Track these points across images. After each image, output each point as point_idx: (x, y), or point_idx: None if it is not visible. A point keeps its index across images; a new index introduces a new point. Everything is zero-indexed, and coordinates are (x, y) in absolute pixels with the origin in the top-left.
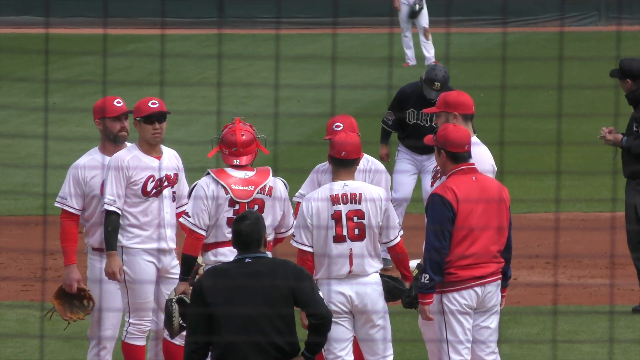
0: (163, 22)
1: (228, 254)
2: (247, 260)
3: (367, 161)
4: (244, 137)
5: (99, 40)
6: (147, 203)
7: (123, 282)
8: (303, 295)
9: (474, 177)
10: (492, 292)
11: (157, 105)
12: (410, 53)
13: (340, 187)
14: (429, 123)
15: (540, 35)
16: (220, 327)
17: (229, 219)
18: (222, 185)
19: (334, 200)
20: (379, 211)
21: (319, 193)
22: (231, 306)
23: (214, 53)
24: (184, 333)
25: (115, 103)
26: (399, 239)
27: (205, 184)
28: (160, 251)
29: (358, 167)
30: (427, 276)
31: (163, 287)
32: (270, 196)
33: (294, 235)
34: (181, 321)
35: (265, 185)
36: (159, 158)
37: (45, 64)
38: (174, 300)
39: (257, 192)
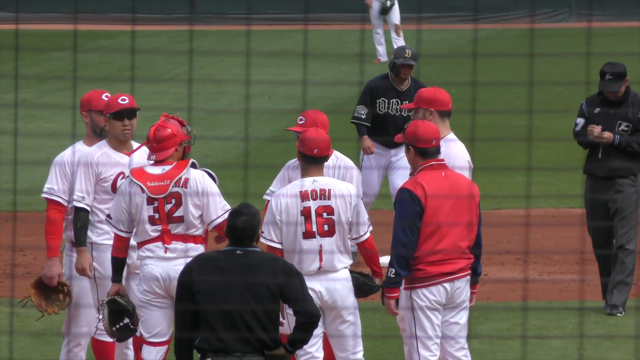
0: (134, 18)
1: (153, 249)
2: (238, 252)
3: (337, 158)
4: (158, 132)
5: (69, 36)
6: None
7: (93, 278)
8: (292, 293)
9: (443, 173)
10: (461, 288)
11: (126, 101)
12: (381, 49)
13: (309, 183)
14: (399, 112)
15: (512, 32)
16: (205, 315)
17: (150, 217)
18: (138, 185)
19: (303, 196)
20: (349, 207)
21: (288, 189)
22: (218, 295)
23: (185, 49)
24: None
25: (103, 97)
26: (368, 234)
27: (124, 186)
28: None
29: (328, 163)
30: (394, 270)
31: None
32: (186, 188)
33: (262, 232)
34: (118, 325)
35: (180, 178)
36: (129, 154)
37: (15, 59)
38: (104, 302)
39: (173, 186)
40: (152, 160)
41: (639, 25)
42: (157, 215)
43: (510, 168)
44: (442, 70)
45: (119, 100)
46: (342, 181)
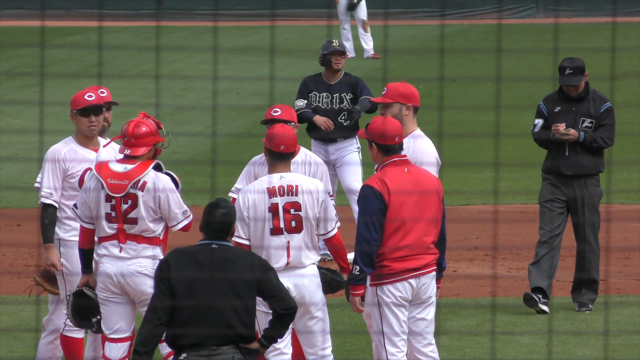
0: (101, 14)
1: (109, 247)
2: (214, 246)
3: (305, 154)
4: (137, 128)
5: (36, 32)
6: None
7: (61, 274)
8: (270, 287)
9: (406, 169)
10: (427, 283)
11: (93, 98)
12: (349, 45)
13: (277, 179)
14: (329, 106)
15: (479, 28)
16: (181, 308)
17: (107, 214)
18: (98, 180)
19: (271, 192)
20: (316, 203)
21: (255, 185)
22: (195, 288)
23: (153, 45)
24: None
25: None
26: (335, 230)
27: (88, 177)
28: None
29: (297, 160)
30: (358, 267)
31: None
32: (142, 191)
33: None
34: (95, 319)
35: (139, 180)
36: (96, 150)
37: None
38: (71, 293)
39: (130, 187)
40: (124, 154)
41: (606, 20)
42: (113, 214)
43: (478, 164)
44: (410, 66)
45: (86, 97)
46: (310, 177)
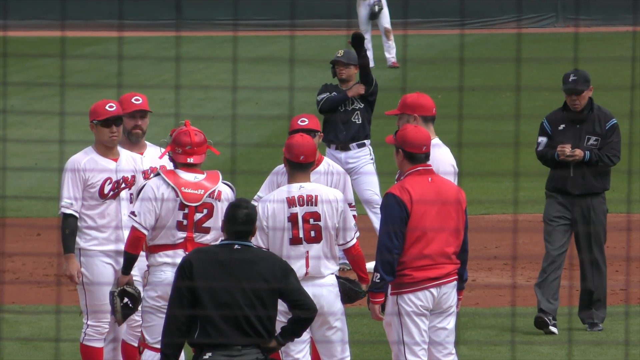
0: (120, 24)
1: (174, 256)
2: (237, 246)
3: (328, 164)
4: (197, 136)
5: (56, 42)
6: (104, 205)
7: (81, 284)
8: (291, 289)
9: (430, 179)
10: (448, 293)
11: (114, 108)
12: (369, 55)
13: (296, 189)
14: (342, 108)
15: (498, 37)
16: (204, 308)
17: (178, 222)
18: (172, 188)
19: (290, 202)
20: (335, 213)
21: (275, 195)
22: (218, 290)
23: (172, 55)
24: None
25: (107, 106)
26: (355, 240)
27: (156, 185)
28: (118, 253)
29: (319, 169)
30: (378, 275)
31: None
32: (219, 200)
33: None
34: (122, 303)
35: (214, 190)
36: (115, 160)
37: (2, 66)
38: (115, 294)
39: (207, 196)
40: (187, 162)
41: (626, 30)
42: (185, 222)
43: (498, 173)
44: (429, 75)
45: (107, 107)
46: (330, 187)
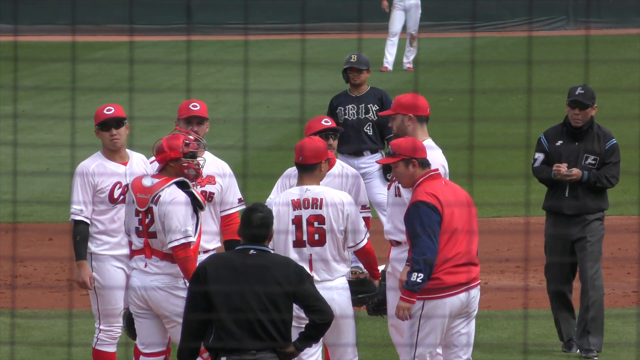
0: (131, 28)
1: (137, 261)
2: (252, 252)
3: (342, 167)
4: (158, 142)
5: (67, 47)
6: (115, 210)
7: (93, 289)
8: (307, 295)
9: (443, 182)
10: (475, 296)
11: (112, 111)
12: (390, 58)
13: (302, 192)
14: (355, 116)
15: (509, 40)
16: (217, 312)
17: (136, 228)
18: (131, 195)
19: (295, 205)
20: (341, 216)
21: (281, 198)
22: (232, 294)
23: (183, 59)
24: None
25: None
26: (365, 241)
27: (129, 192)
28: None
29: (333, 172)
30: (422, 276)
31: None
32: (156, 205)
33: None
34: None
35: (156, 194)
36: (125, 164)
37: (14, 71)
38: (127, 309)
39: (150, 201)
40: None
41: (637, 32)
42: (140, 228)
43: (509, 176)
44: (440, 78)
45: (105, 111)
46: (340, 190)
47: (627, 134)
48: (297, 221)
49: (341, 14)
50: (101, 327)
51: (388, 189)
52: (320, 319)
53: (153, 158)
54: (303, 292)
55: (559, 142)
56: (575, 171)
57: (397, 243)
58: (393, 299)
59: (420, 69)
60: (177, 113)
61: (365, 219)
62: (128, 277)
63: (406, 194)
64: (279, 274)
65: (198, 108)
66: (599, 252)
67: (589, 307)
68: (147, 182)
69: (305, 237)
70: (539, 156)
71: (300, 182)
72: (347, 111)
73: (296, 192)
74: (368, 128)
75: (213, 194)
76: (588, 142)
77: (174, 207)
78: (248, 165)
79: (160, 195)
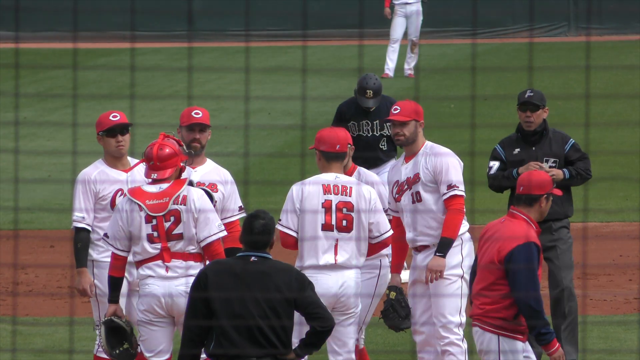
0: (133, 35)
1: (155, 268)
2: (253, 258)
3: (360, 173)
4: (161, 150)
5: (69, 54)
6: None
7: (94, 296)
8: (307, 304)
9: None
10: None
11: (118, 117)
12: (392, 64)
13: (332, 178)
14: (370, 133)
15: (510, 46)
16: (220, 320)
17: (148, 235)
18: (136, 203)
19: (326, 189)
20: (368, 206)
21: (312, 180)
22: (232, 301)
23: (184, 66)
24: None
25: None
26: (391, 232)
27: (121, 204)
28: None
29: (350, 180)
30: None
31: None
32: (185, 205)
33: (280, 220)
34: (118, 350)
35: (179, 195)
36: (126, 171)
37: (15, 78)
38: (102, 322)
39: (172, 203)
40: (151, 178)
41: (638, 38)
42: (155, 234)
43: None
44: (441, 84)
45: (111, 117)
46: (363, 184)
47: (629, 140)
48: (326, 205)
49: (343, 20)
50: (98, 338)
51: (397, 200)
52: (321, 326)
53: (135, 161)
54: (304, 299)
55: (516, 150)
56: (556, 171)
57: (425, 247)
58: (423, 306)
59: (421, 76)
60: (179, 120)
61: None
62: (129, 284)
63: (427, 195)
64: (280, 280)
65: (200, 115)
66: (570, 260)
67: (567, 316)
68: (152, 188)
69: (334, 222)
70: (495, 164)
71: (328, 169)
72: (361, 127)
73: (328, 178)
74: (383, 144)
75: (215, 201)
76: (545, 146)
77: (205, 204)
78: (249, 172)
79: (185, 195)
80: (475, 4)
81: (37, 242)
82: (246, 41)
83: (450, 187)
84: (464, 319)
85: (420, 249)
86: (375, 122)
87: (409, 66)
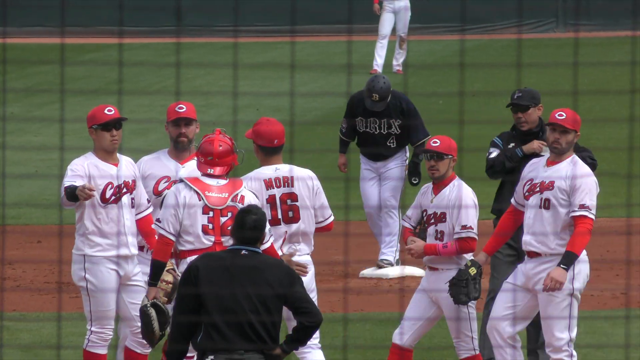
0: (121, 31)
1: None
2: (244, 252)
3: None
4: (220, 147)
5: (56, 49)
6: (106, 210)
7: (86, 289)
8: (297, 297)
9: None
10: None
11: (113, 112)
12: (380, 60)
13: (272, 171)
14: (377, 130)
15: (498, 42)
16: (208, 312)
17: (204, 226)
18: (195, 192)
19: (268, 184)
20: (311, 191)
21: (252, 177)
22: (223, 295)
23: (172, 62)
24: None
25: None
26: (332, 218)
27: (177, 190)
28: (122, 258)
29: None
30: None
31: (125, 295)
32: (242, 204)
33: None
34: (162, 332)
35: (237, 194)
36: (116, 165)
37: (2, 73)
38: (148, 306)
39: (230, 200)
40: (207, 173)
41: (626, 34)
42: (211, 226)
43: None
44: (429, 80)
45: (105, 111)
46: (302, 168)
47: (616, 136)
48: (271, 200)
49: (331, 16)
50: (93, 328)
51: (526, 199)
52: (309, 321)
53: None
54: (294, 295)
55: (511, 145)
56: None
57: (536, 254)
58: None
59: (409, 72)
60: (166, 116)
61: (471, 239)
62: (121, 278)
63: (555, 205)
64: (270, 275)
65: (184, 110)
66: None
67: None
68: (211, 181)
69: (280, 215)
70: (495, 150)
71: (268, 162)
72: (368, 124)
73: (268, 172)
74: (391, 142)
75: None
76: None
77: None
78: (237, 168)
79: (243, 196)
80: (464, 0)
81: (24, 237)
82: (234, 37)
83: (583, 207)
84: (573, 334)
85: (531, 254)
86: (382, 121)
87: (397, 62)
